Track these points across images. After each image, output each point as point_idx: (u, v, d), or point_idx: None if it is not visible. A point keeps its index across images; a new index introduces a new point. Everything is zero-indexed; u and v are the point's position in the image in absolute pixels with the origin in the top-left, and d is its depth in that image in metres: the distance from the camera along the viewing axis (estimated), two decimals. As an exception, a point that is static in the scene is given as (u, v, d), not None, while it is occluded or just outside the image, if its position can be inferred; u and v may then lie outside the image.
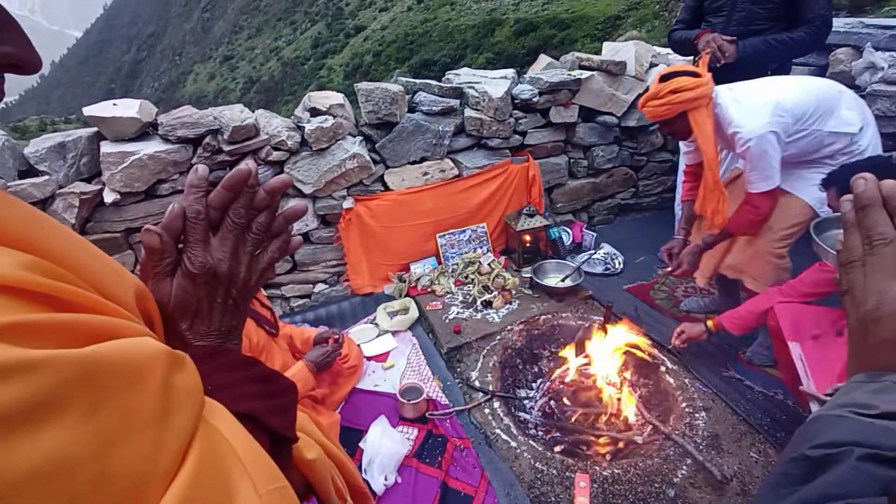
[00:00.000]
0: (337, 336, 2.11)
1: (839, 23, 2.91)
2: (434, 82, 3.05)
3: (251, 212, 0.52)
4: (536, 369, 2.44)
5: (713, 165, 2.03)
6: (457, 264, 3.07)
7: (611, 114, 3.26)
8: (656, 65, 3.36)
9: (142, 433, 0.31)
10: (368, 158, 2.79)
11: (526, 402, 2.24)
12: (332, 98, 2.79)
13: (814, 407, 1.49)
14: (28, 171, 2.33)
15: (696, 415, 2.03)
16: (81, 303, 0.33)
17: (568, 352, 2.32)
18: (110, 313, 0.35)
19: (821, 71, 3.13)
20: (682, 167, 2.94)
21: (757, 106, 1.93)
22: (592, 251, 3.25)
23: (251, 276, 0.54)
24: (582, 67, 3.24)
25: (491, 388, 2.24)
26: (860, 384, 0.42)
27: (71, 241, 0.38)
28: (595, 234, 3.40)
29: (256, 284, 0.55)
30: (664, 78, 1.99)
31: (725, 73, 2.47)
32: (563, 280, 2.84)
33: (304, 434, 0.54)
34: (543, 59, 3.47)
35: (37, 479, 0.25)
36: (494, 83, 3.06)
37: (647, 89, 2.11)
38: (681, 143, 2.46)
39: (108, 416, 0.29)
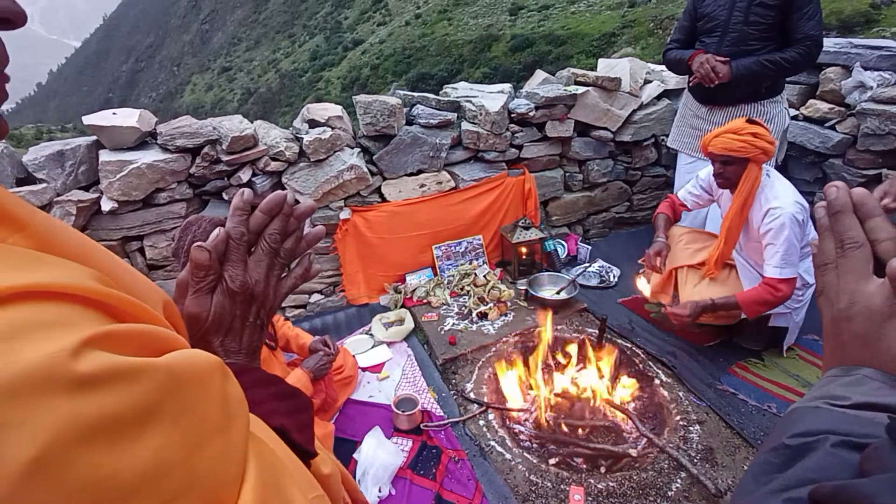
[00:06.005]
0: (328, 344, 2.10)
1: (829, 43, 2.97)
2: (432, 95, 3.09)
3: (283, 237, 0.55)
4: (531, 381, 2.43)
5: (730, 226, 2.19)
6: (452, 276, 3.07)
7: (606, 129, 3.30)
8: (650, 81, 3.41)
9: (212, 440, 0.32)
10: (366, 170, 2.81)
11: (520, 413, 2.24)
12: (331, 110, 2.82)
13: None
14: (26, 178, 2.33)
15: (691, 428, 2.03)
16: (135, 314, 0.34)
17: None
18: (158, 325, 0.36)
19: (811, 89, 3.19)
20: (677, 181, 2.97)
21: (791, 189, 2.09)
22: (587, 264, 3.27)
23: (276, 298, 0.56)
24: (577, 83, 3.29)
25: (486, 400, 2.24)
26: (835, 378, 0.45)
27: (108, 256, 0.39)
28: (590, 247, 3.42)
29: (277, 307, 0.58)
30: (750, 121, 2.05)
31: (719, 93, 2.52)
32: (558, 293, 2.86)
33: (320, 450, 0.55)
34: (540, 75, 3.52)
35: (144, 481, 0.27)
36: (491, 97, 3.10)
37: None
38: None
39: (188, 422, 0.30)
